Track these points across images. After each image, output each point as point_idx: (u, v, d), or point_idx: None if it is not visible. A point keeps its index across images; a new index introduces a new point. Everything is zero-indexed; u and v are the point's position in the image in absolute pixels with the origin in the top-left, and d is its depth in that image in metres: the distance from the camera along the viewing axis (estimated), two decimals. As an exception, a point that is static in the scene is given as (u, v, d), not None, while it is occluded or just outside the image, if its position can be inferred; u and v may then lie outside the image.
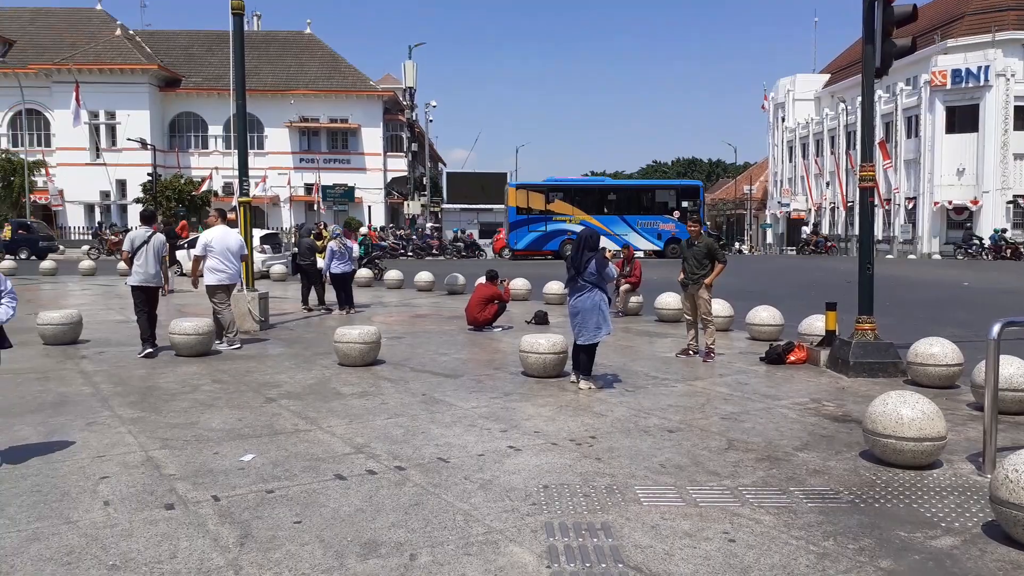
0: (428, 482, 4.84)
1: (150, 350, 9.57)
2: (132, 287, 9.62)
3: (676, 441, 5.84)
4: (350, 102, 49.06)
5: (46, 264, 24.60)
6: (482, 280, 12.79)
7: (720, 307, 11.60)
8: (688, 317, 9.73)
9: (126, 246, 9.77)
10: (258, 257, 21.35)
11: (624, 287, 13.83)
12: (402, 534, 4.02)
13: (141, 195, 41.63)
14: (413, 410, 6.76)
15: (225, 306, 10.28)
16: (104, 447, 5.56)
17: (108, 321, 12.81)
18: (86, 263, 24.82)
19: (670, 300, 12.91)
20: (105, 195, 46.89)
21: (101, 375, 8.33)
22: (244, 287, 11.85)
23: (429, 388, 7.68)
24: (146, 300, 9.62)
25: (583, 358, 7.72)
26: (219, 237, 10.29)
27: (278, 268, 22.31)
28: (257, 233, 26.66)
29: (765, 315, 11.15)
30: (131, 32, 50.59)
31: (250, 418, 6.48)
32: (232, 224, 11.62)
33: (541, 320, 12.65)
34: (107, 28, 49.97)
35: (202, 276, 10.32)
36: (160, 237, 9.86)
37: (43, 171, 44.79)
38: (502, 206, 47.85)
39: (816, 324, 9.89)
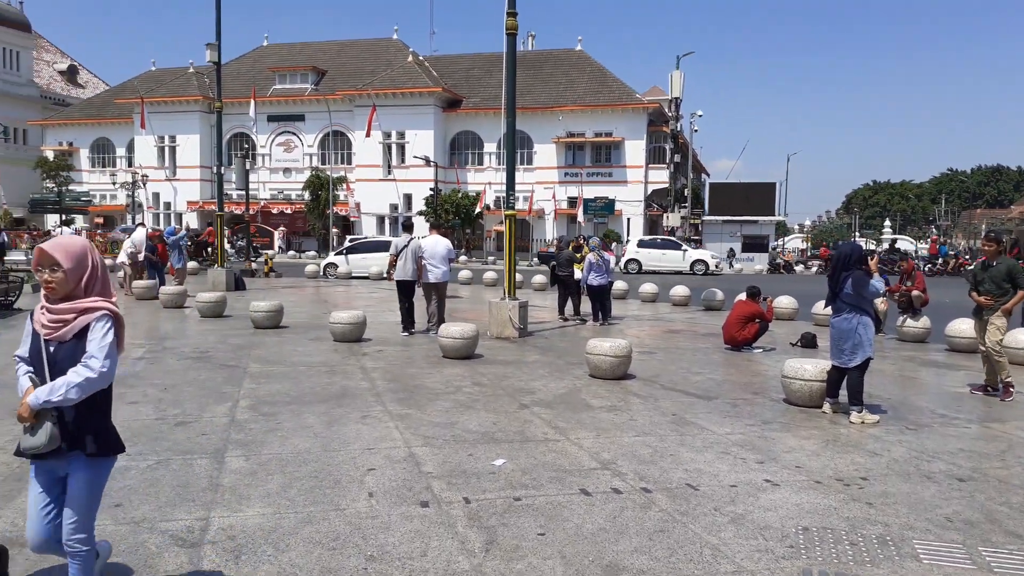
0: (675, 509, 4.63)
1: (408, 333, 12.26)
2: (396, 281, 12.29)
3: (967, 492, 5.05)
4: (615, 116, 49.62)
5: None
6: (742, 297, 12.17)
7: (1029, 338, 9.97)
8: (983, 348, 8.46)
9: (392, 250, 12.60)
10: None
11: (913, 292, 12.40)
12: (645, 561, 3.87)
13: (424, 208, 45.45)
14: (662, 430, 6.56)
15: (432, 299, 12.47)
16: (374, 440, 6.03)
17: (388, 322, 14.03)
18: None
19: (964, 327, 11.36)
20: (393, 207, 51.80)
21: (378, 372, 9.10)
22: (507, 296, 12.36)
23: (680, 408, 7.41)
24: (405, 291, 12.25)
25: (852, 382, 7.05)
26: (431, 244, 12.36)
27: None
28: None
29: (1091, 351, 9.37)
30: (421, 58, 55.48)
31: (504, 422, 6.69)
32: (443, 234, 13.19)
33: (808, 343, 11.75)
34: (401, 56, 55.29)
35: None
36: (416, 242, 12.29)
37: (344, 186, 50.68)
38: (769, 218, 45.63)
39: None
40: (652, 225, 52.43)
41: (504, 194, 12.86)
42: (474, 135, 52.43)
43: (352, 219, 51.51)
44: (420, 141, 50.22)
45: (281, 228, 50.87)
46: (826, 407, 7.31)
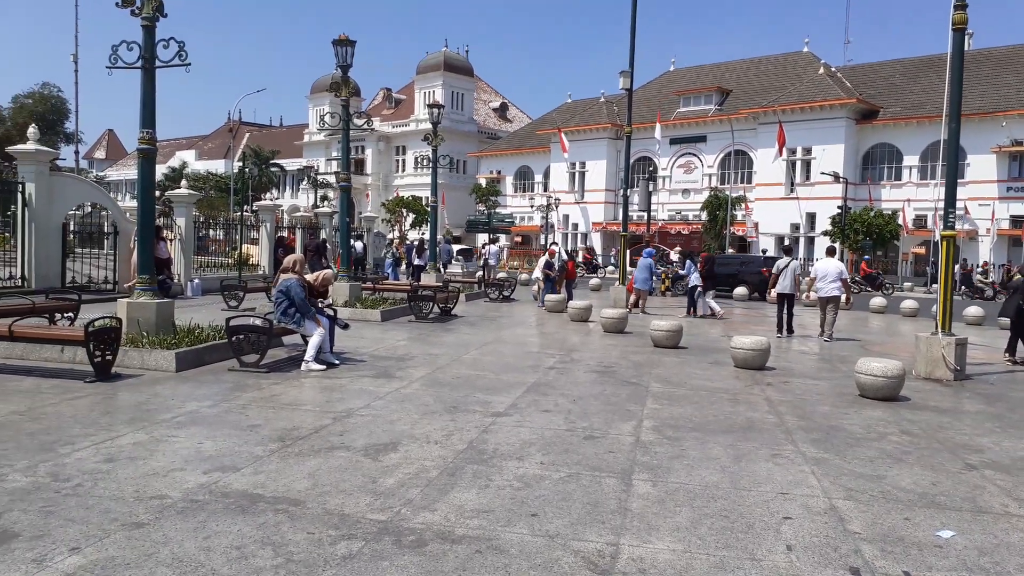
0: None
1: (780, 335, 14.79)
2: (777, 294, 15.03)
3: None
4: (1083, 118, 41.02)
5: (739, 292, 26.98)
6: None
7: None
8: None
9: (775, 270, 15.20)
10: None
11: None
12: None
13: (829, 228, 42.36)
14: None
15: (831, 312, 14.63)
16: (787, 484, 5.48)
17: (793, 351, 13.13)
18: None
19: None
20: (795, 227, 49.19)
21: (785, 405, 8.43)
22: (940, 331, 10.71)
23: None
24: (783, 303, 15.02)
25: None
26: (822, 265, 14.95)
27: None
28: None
29: None
30: (833, 69, 52.03)
31: (946, 484, 5.63)
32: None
33: None
34: (811, 68, 52.45)
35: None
36: (795, 263, 15.11)
37: (743, 205, 49.54)
38: None
39: None
40: None
41: (937, 211, 11.17)
42: (891, 147, 47.48)
43: (748, 239, 50.14)
44: (828, 156, 47.02)
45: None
46: None
